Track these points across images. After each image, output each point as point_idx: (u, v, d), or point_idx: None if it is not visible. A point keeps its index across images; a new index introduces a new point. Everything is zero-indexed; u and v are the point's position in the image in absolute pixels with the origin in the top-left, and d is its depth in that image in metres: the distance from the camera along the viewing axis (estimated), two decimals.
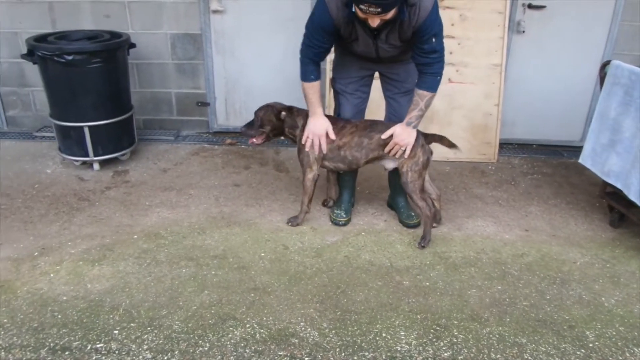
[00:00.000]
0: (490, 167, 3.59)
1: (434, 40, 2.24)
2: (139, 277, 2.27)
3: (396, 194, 2.85)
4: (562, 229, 2.80)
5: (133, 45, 3.37)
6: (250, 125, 2.65)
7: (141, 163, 3.48)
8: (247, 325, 2.00)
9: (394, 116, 2.60)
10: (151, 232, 2.65)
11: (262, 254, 2.48)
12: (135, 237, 2.60)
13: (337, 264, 2.42)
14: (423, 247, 2.56)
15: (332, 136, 2.48)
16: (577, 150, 3.90)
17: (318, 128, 2.47)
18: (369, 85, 2.67)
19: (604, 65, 2.61)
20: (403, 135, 2.42)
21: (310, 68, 2.41)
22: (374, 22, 2.12)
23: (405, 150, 2.43)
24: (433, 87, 2.35)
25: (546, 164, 3.66)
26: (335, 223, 2.75)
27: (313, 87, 2.43)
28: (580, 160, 2.75)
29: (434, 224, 2.67)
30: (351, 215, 2.81)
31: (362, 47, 2.38)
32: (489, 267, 2.44)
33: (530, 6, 3.52)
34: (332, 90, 2.70)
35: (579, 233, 2.75)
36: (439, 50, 2.29)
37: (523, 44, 3.63)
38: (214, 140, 3.92)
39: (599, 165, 2.62)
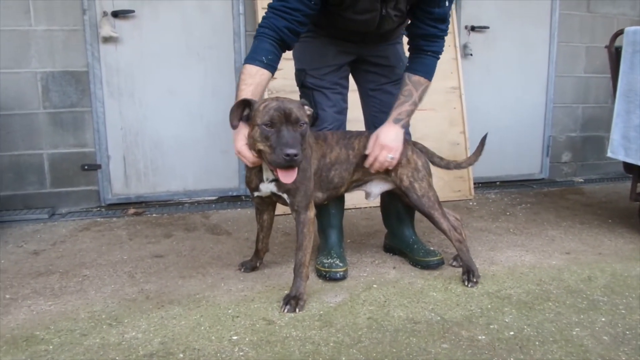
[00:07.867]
0: (471, 203, 3.01)
1: (447, 3, 1.73)
2: None
3: (400, 227, 2.05)
4: (601, 246, 2.22)
5: None
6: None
7: None
8: None
9: (383, 114, 1.89)
10: (18, 335, 1.45)
11: (234, 337, 1.44)
12: None
13: (363, 330, 1.48)
14: (476, 283, 1.76)
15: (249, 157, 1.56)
16: (541, 182, 3.59)
17: (237, 142, 1.56)
18: (348, 77, 2.00)
19: (615, 38, 2.26)
20: (389, 136, 1.74)
21: (266, 47, 1.58)
22: None
23: (392, 159, 1.75)
24: (431, 72, 1.83)
25: (524, 196, 3.19)
26: (330, 277, 1.82)
27: (257, 75, 1.56)
28: (609, 154, 2.25)
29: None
30: (347, 263, 1.92)
31: (361, 15, 1.72)
32: (568, 299, 1.69)
33: (473, 28, 3.28)
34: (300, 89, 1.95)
35: (623, 247, 2.20)
36: (448, 21, 1.80)
37: (472, 69, 3.32)
38: (110, 213, 2.80)
39: (636, 153, 2.14)
